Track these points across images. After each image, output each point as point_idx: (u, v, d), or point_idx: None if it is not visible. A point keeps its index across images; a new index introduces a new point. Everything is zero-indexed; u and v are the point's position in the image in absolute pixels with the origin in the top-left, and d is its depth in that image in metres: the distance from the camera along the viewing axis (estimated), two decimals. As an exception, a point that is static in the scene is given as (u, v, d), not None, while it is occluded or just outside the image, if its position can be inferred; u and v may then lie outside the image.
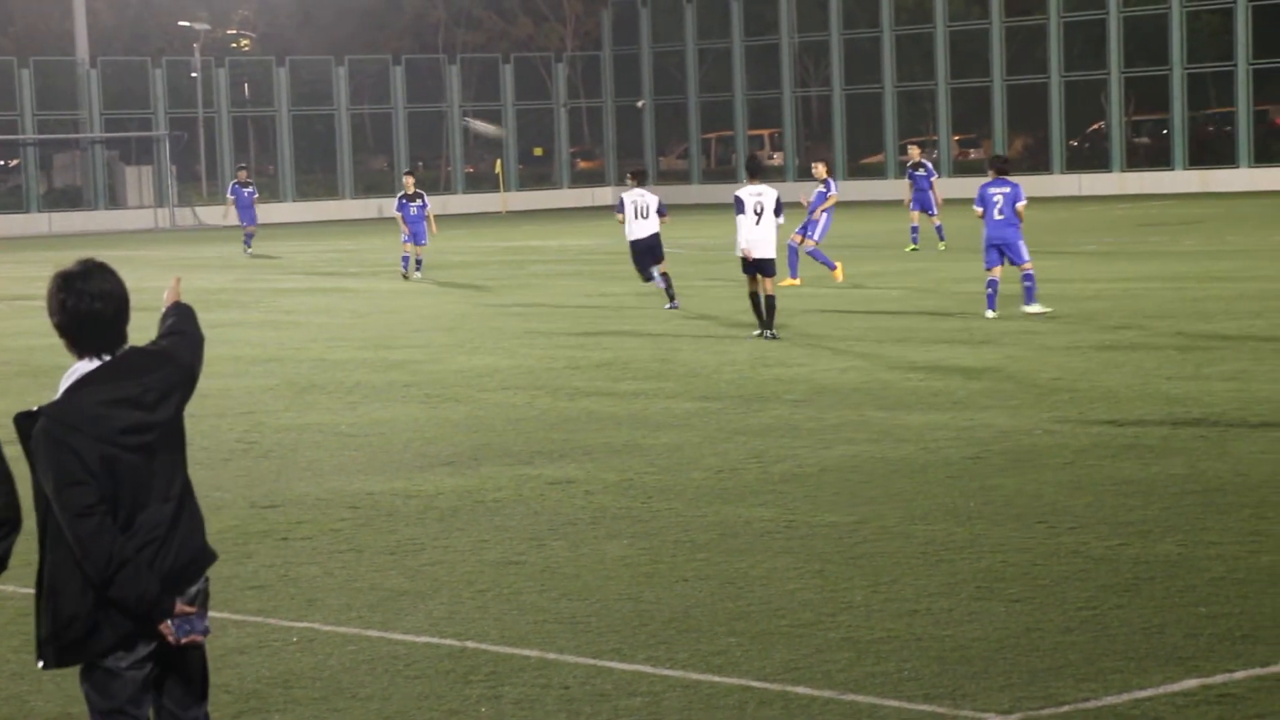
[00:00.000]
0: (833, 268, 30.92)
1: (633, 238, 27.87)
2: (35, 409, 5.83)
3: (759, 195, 22.82)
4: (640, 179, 28.85)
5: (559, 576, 10.47)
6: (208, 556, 6.05)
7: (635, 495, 12.84)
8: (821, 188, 31.90)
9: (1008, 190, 24.39)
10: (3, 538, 5.81)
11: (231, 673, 8.55)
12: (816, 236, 31.46)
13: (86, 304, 5.91)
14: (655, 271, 27.62)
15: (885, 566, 10.42)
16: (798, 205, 32.30)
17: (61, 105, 69.53)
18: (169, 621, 5.83)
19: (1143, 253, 35.84)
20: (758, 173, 23.68)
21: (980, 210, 24.50)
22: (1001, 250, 24.23)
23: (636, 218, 27.81)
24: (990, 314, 24.02)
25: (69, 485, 5.73)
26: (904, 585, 9.96)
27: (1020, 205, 24.33)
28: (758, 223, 22.67)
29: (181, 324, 6.22)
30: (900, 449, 14.29)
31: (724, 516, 11.99)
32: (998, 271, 24.33)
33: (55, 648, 5.86)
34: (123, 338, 5.97)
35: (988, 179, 24.86)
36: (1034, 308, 24.11)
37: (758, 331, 22.65)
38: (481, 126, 58.17)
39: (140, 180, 69.57)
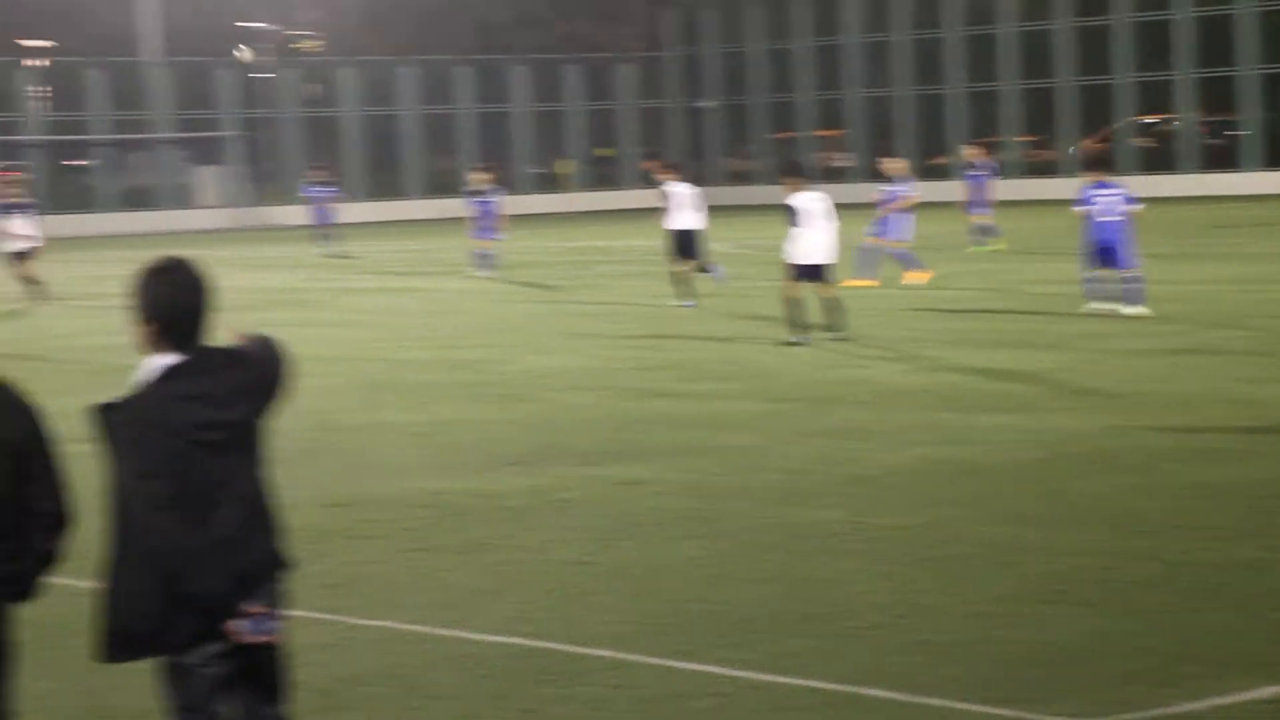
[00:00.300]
0: (918, 268, 30.54)
1: (686, 226, 28.78)
2: (113, 401, 5.87)
3: (816, 201, 22.57)
4: (676, 171, 29.99)
5: (628, 577, 10.48)
6: (280, 562, 6.06)
7: (703, 496, 12.84)
8: (897, 186, 31.65)
9: (1113, 193, 24.23)
10: (54, 535, 5.85)
11: (308, 670, 8.56)
12: (900, 236, 31.14)
13: (174, 297, 5.96)
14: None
15: (954, 569, 10.38)
16: (864, 206, 32.22)
17: (132, 105, 70.03)
18: (238, 621, 5.86)
19: (1217, 255, 35.58)
20: (806, 178, 23.36)
21: (1083, 212, 24.26)
22: (1107, 253, 24.02)
23: (690, 209, 28.87)
24: (1096, 306, 23.80)
25: (143, 478, 5.77)
26: (974, 588, 9.92)
27: (1133, 208, 24.18)
28: (820, 228, 22.40)
29: (264, 344, 6.25)
30: (968, 451, 14.24)
31: (792, 518, 11.97)
32: (1098, 272, 24.17)
33: (121, 642, 5.90)
34: (203, 334, 6.02)
35: (1089, 181, 24.69)
36: (1132, 309, 23.77)
37: (797, 338, 21.91)
38: (248, 55, 59.43)
39: (210, 180, 70.02)
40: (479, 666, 8.73)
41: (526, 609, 9.77)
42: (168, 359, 5.94)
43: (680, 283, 28.51)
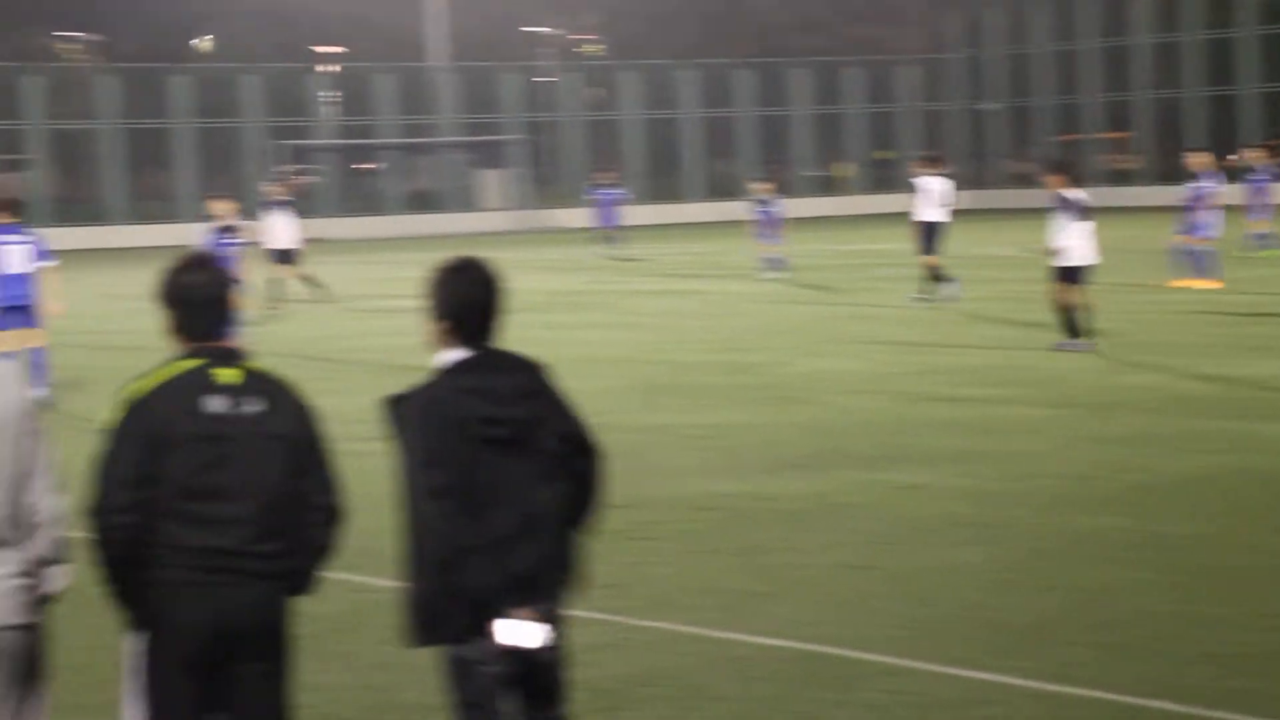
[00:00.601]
0: (1213, 275, 29.75)
1: (932, 219, 29.42)
2: (403, 392, 6.02)
3: (1084, 199, 22.10)
4: (933, 165, 30.51)
5: (906, 582, 10.42)
6: (560, 576, 6.10)
7: (982, 502, 12.71)
8: (1204, 182, 30.74)
9: None
10: (327, 529, 5.99)
11: (587, 670, 8.67)
12: (1208, 235, 30.29)
13: (468, 295, 6.10)
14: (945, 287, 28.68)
15: (1244, 580, 10.15)
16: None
17: (418, 110, 71.40)
18: (507, 624, 5.92)
19: None
20: (1075, 176, 22.78)
21: None
22: None
23: (936, 204, 29.56)
24: None
25: (425, 466, 5.89)
26: (1264, 600, 9.68)
27: None
28: (1088, 230, 21.87)
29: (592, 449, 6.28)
30: (1257, 459, 13.91)
31: (1075, 525, 11.80)
32: None
33: (411, 627, 6.03)
34: (496, 332, 6.14)
35: None
36: None
37: (1073, 342, 21.40)
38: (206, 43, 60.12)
39: (493, 183, 71.06)
40: (755, 669, 8.75)
41: (803, 612, 9.76)
42: (458, 353, 6.07)
43: (931, 277, 28.75)
